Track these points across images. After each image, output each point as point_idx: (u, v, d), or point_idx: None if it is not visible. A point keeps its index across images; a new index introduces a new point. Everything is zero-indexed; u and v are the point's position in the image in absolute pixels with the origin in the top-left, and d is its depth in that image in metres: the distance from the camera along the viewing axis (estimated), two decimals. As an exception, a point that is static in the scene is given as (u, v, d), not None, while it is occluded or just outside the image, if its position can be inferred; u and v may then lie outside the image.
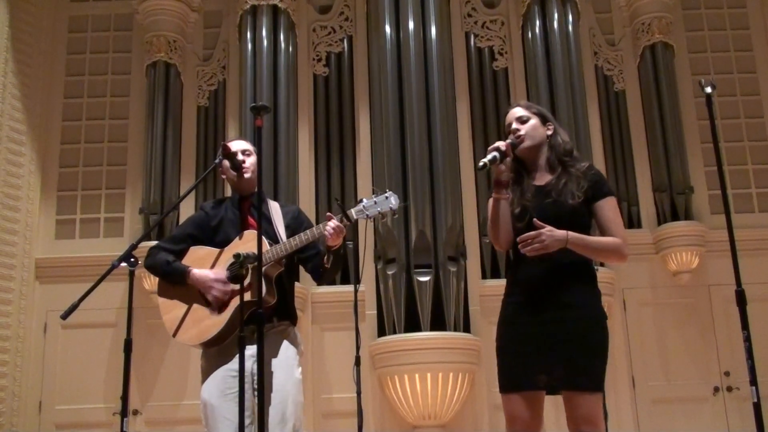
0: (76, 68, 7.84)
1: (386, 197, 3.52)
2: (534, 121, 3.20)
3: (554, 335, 2.95)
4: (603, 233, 3.08)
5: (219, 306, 3.51)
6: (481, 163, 3.05)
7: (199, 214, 3.86)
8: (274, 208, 3.79)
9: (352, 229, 6.39)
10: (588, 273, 3.10)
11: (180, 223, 6.91)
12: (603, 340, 3.00)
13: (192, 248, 3.68)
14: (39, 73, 7.61)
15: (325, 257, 3.58)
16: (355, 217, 3.50)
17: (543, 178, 3.17)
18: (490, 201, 3.15)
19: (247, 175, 3.71)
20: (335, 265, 3.61)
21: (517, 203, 3.11)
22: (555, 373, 2.94)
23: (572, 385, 2.93)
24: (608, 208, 3.09)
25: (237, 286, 3.28)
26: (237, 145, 3.78)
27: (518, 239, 2.98)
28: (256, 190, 3.62)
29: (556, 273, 3.01)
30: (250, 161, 3.74)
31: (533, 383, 2.98)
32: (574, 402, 2.93)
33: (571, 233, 2.96)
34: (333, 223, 3.44)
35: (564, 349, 2.93)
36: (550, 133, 3.21)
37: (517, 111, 3.25)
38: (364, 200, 3.54)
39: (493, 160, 3.06)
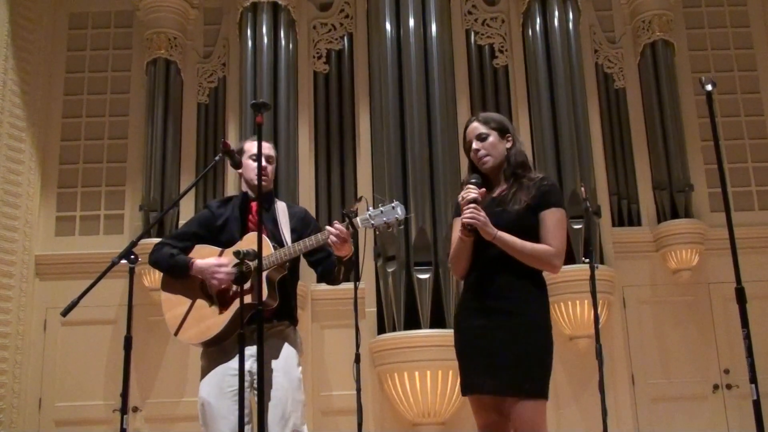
0: (76, 65, 7.84)
1: (393, 207, 3.47)
2: (493, 137, 3.22)
3: (500, 341, 2.99)
4: (540, 242, 3.10)
5: (221, 300, 3.51)
6: (469, 227, 3.04)
7: (204, 212, 3.85)
8: (281, 210, 3.78)
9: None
10: (538, 284, 3.13)
11: (181, 220, 6.99)
12: (548, 348, 3.05)
13: (197, 246, 3.68)
14: (39, 70, 7.61)
15: (336, 268, 3.59)
16: (360, 225, 3.48)
17: (499, 190, 3.23)
18: (456, 236, 3.15)
19: (263, 183, 3.70)
20: (346, 273, 3.63)
21: None
22: (500, 378, 2.97)
23: (516, 391, 2.94)
24: (550, 218, 3.11)
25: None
26: (262, 149, 3.74)
27: (462, 204, 3.06)
28: (266, 191, 3.68)
29: (506, 281, 3.06)
30: (270, 169, 3.75)
31: (480, 387, 3.02)
32: (517, 409, 2.94)
33: (499, 233, 3.01)
34: (334, 230, 3.41)
35: (509, 356, 2.97)
36: (509, 145, 3.24)
37: (477, 127, 3.26)
38: (371, 209, 3.50)
39: (473, 218, 3.03)
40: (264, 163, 3.67)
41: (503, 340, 2.99)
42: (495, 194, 3.21)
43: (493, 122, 3.26)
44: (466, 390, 3.10)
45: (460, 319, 3.18)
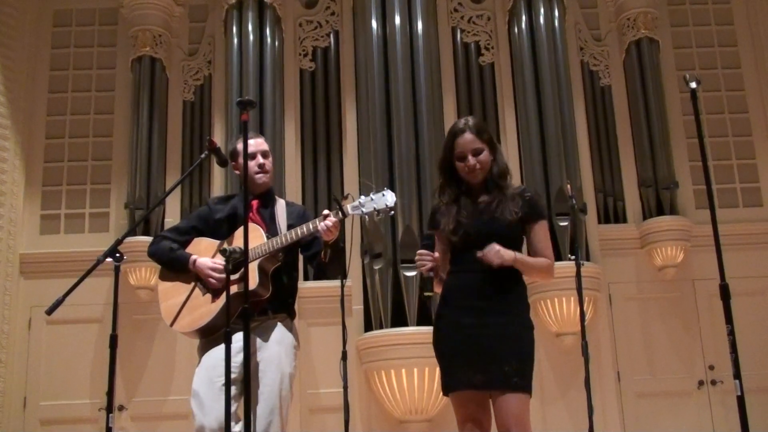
0: (60, 62, 7.78)
1: (383, 194, 3.52)
2: (486, 152, 3.26)
3: (488, 339, 3.08)
4: (535, 254, 3.24)
5: (215, 290, 3.54)
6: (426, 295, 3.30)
7: (203, 208, 3.93)
8: (280, 206, 3.84)
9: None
10: (520, 284, 3.23)
11: (167, 218, 6.99)
12: (532, 346, 3.17)
13: (195, 239, 3.73)
14: (23, 68, 7.56)
15: (323, 252, 3.60)
16: (350, 212, 3.52)
17: (479, 197, 3.28)
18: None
19: (261, 180, 3.75)
20: (333, 259, 3.63)
21: (453, 220, 3.23)
22: (490, 373, 3.05)
23: (504, 385, 3.03)
24: (541, 231, 3.26)
25: (233, 276, 3.32)
26: (257, 146, 3.77)
27: (478, 255, 3.11)
28: (266, 189, 3.79)
29: (490, 282, 3.13)
30: (269, 164, 3.81)
31: (471, 383, 3.09)
32: (504, 402, 3.03)
33: (518, 254, 3.14)
34: (330, 220, 3.45)
35: (497, 352, 3.05)
36: (492, 158, 3.30)
37: (473, 141, 3.25)
38: (361, 197, 3.54)
39: (430, 280, 3.27)
40: (261, 159, 3.76)
41: (493, 337, 3.07)
42: (479, 202, 3.26)
43: (485, 134, 3.29)
44: (453, 385, 3.14)
45: (446, 318, 3.25)
